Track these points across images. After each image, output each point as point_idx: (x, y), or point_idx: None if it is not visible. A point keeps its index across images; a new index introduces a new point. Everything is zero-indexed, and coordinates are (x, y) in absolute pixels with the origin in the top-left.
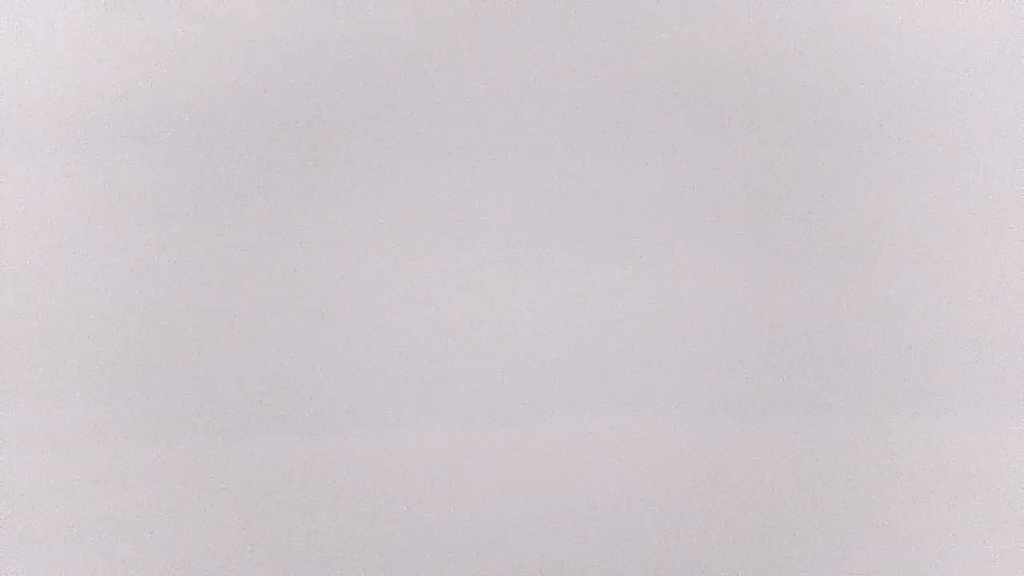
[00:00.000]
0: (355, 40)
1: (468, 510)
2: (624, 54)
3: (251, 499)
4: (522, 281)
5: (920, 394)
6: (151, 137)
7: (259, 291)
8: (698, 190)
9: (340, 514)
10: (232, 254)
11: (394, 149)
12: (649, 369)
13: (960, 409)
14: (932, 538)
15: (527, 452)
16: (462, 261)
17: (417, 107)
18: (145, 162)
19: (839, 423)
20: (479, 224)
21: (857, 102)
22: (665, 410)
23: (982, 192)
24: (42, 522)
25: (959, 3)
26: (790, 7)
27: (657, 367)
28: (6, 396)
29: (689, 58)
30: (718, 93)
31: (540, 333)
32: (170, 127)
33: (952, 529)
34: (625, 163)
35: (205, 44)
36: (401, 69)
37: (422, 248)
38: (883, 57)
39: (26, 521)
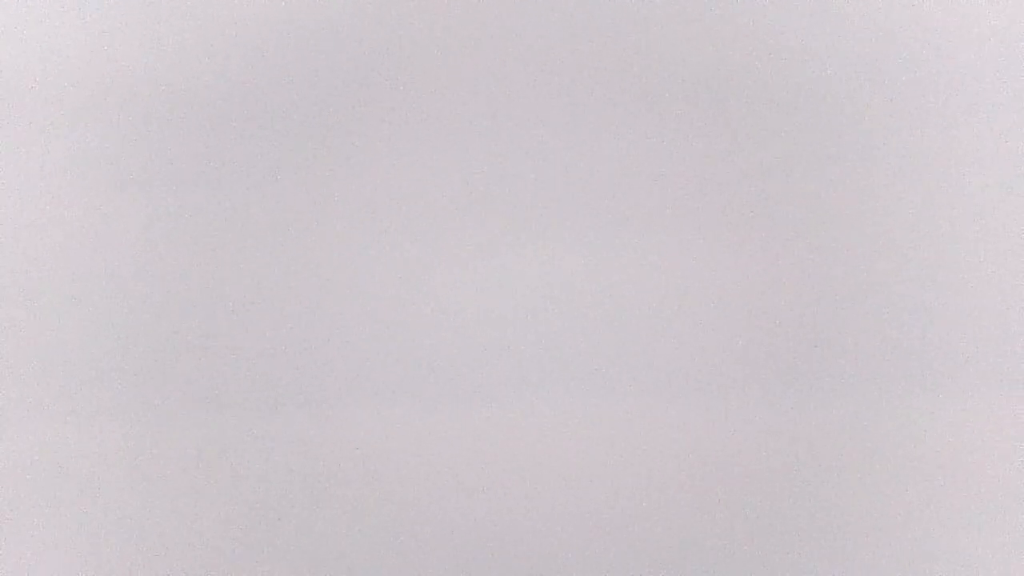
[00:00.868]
0: (355, 30)
1: (458, 496)
2: (621, 48)
3: (247, 484)
4: (517, 270)
5: (919, 381)
6: (146, 128)
7: (256, 281)
8: (693, 179)
9: (333, 500)
10: (228, 243)
11: (391, 139)
12: (642, 356)
13: (961, 397)
14: (932, 527)
15: (520, 439)
16: (456, 248)
17: (413, 97)
18: (140, 152)
19: (836, 411)
20: (473, 211)
21: (858, 97)
22: (657, 397)
23: (983, 189)
24: (36, 507)
25: (962, 3)
26: (792, 6)
27: (650, 354)
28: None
29: (687, 51)
30: (714, 84)
31: (535, 321)
32: (167, 117)
33: (953, 519)
34: (622, 155)
35: (204, 32)
36: (401, 60)
37: (415, 235)
38: (885, 56)
39: (20, 506)
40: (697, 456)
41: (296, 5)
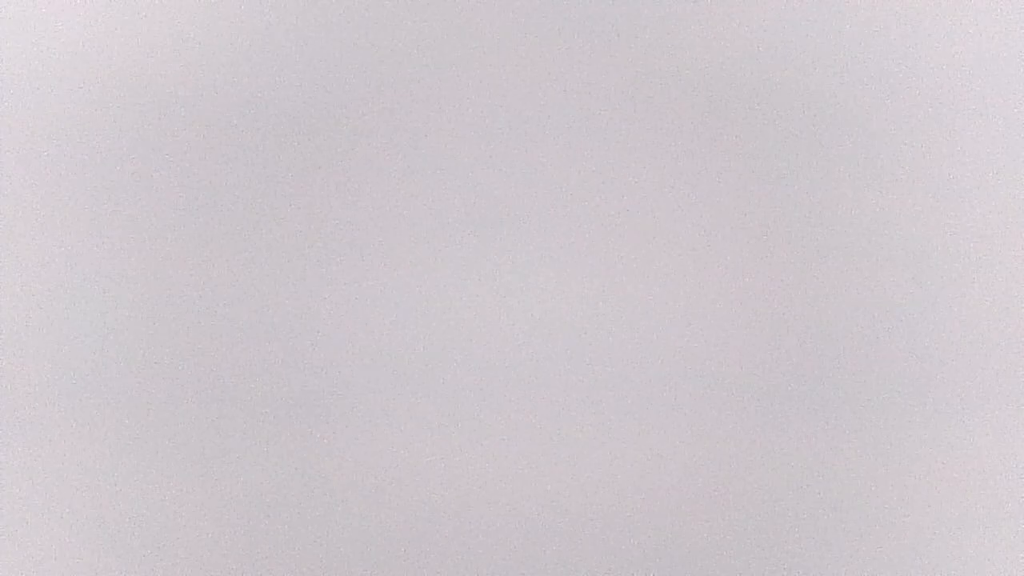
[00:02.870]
0: (357, 37)
1: (466, 511)
2: (626, 53)
3: (251, 499)
4: (524, 282)
5: (926, 396)
6: (149, 135)
7: (260, 291)
8: (703, 190)
9: (338, 517)
10: (234, 253)
11: (396, 147)
12: (652, 371)
13: (965, 412)
14: (934, 540)
15: (531, 453)
16: (463, 260)
17: (417, 106)
18: (141, 160)
19: (843, 426)
20: (479, 223)
21: (860, 102)
22: (671, 413)
23: (983, 193)
24: (36, 521)
25: (961, 4)
26: (793, 7)
27: (660, 369)
28: (2, 398)
29: (692, 58)
30: (721, 92)
31: (543, 333)
32: (170, 124)
33: (954, 532)
34: (628, 164)
35: (206, 41)
36: (403, 67)
37: (423, 248)
38: (885, 57)
39: (21, 521)
40: (699, 469)
41: (301, 10)
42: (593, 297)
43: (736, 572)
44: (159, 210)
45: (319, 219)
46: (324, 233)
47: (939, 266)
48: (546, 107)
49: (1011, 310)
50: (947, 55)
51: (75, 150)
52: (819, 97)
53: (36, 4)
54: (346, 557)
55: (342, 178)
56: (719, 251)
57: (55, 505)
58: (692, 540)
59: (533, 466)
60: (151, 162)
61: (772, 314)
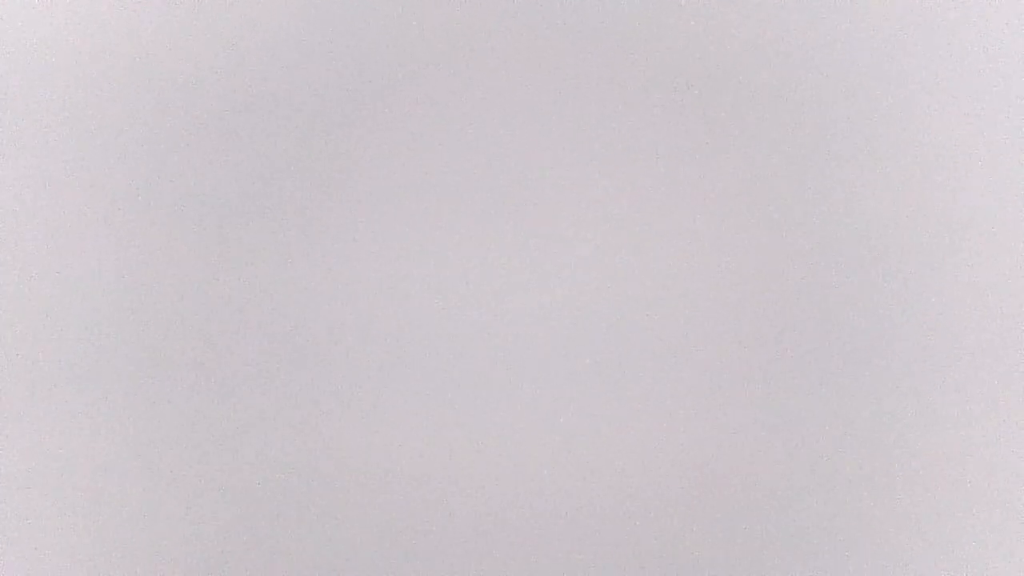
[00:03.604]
0: (356, 36)
1: (464, 509)
2: (624, 51)
3: (251, 497)
4: (524, 277)
5: (925, 392)
6: (149, 133)
7: (260, 290)
8: (703, 186)
9: (335, 515)
10: (232, 249)
11: (396, 145)
12: (650, 366)
13: (965, 409)
14: (933, 537)
15: (529, 450)
16: (460, 258)
17: (416, 104)
18: (140, 159)
19: (843, 423)
20: (479, 220)
21: (859, 100)
22: (668, 407)
23: (983, 192)
24: (36, 515)
25: (961, 3)
26: (792, 7)
27: (658, 364)
28: (4, 396)
29: (691, 56)
30: (719, 90)
31: (542, 329)
32: (169, 123)
33: (953, 528)
34: (626, 161)
35: (207, 40)
36: (402, 66)
37: (422, 243)
38: (885, 57)
39: (21, 516)
40: (698, 458)
41: (302, 7)
42: (592, 294)
43: (735, 569)
44: (156, 204)
45: (317, 215)
46: (323, 230)
47: (939, 264)
48: (546, 105)
49: (1012, 308)
50: (946, 55)
51: (75, 148)
52: (818, 95)
53: (36, 4)
54: (344, 552)
55: (340, 174)
56: (718, 246)
57: (54, 502)
58: (691, 537)
59: (531, 461)
60: (149, 155)
61: (773, 312)
